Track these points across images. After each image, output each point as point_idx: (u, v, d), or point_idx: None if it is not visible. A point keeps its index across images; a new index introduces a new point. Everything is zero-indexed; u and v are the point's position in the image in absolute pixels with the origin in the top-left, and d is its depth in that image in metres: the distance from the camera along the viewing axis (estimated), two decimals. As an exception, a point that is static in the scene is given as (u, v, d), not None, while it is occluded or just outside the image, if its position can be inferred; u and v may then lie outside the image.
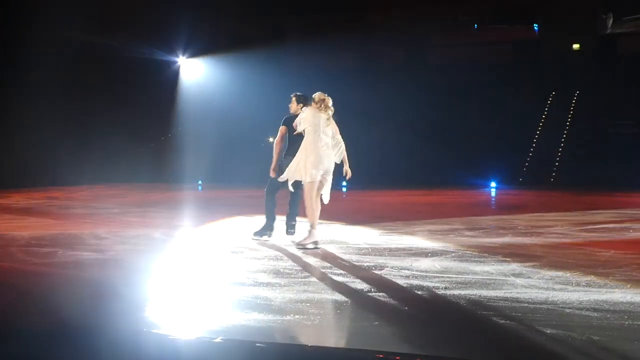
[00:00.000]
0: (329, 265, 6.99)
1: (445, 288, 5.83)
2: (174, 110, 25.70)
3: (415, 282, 6.11)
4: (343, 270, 6.72)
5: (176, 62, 25.76)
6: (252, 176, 21.65)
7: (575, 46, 27.62)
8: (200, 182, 22.47)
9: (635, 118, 22.71)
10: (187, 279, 6.43)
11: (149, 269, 6.90)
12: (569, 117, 24.89)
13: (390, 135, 23.81)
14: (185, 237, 9.38)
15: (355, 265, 6.99)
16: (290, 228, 8.93)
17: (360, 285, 6.00)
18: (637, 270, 6.55)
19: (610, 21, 26.99)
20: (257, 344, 4.26)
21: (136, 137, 23.24)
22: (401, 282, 6.13)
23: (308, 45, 25.51)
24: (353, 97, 24.55)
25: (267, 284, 6.02)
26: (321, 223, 10.72)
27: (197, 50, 25.14)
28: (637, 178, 18.39)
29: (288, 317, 4.94)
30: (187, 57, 25.83)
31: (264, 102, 22.71)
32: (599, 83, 25.08)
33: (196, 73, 26.00)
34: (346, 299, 5.51)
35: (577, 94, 25.57)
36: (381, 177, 21.21)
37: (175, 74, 25.98)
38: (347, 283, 6.09)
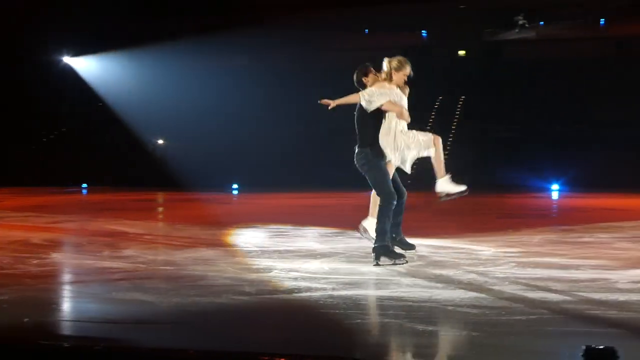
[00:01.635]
0: (216, 268, 6.92)
1: (333, 289, 5.88)
2: (60, 110, 24.80)
3: (303, 283, 6.13)
4: (231, 273, 6.66)
5: (61, 60, 24.86)
6: (141, 178, 21.30)
7: (461, 52, 28.56)
8: (85, 186, 21.75)
9: (520, 122, 23.73)
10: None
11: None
12: (455, 121, 25.71)
13: (286, 137, 23.86)
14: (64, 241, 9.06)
15: (244, 268, 6.95)
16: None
17: (248, 288, 5.96)
18: (515, 268, 6.81)
19: (521, 22, 27.99)
20: (144, 348, 4.17)
21: (16, 137, 22.28)
22: (289, 284, 6.14)
23: (204, 45, 25.20)
24: (250, 98, 24.47)
25: (153, 289, 5.89)
26: (210, 228, 10.62)
27: (87, 48, 24.36)
28: (521, 180, 19.18)
29: (172, 322, 4.84)
30: (75, 56, 24.99)
31: (156, 102, 22.30)
32: (484, 88, 26.01)
33: (87, 72, 25.19)
34: (232, 302, 5.46)
35: (463, 98, 26.45)
36: (275, 180, 21.20)
37: (62, 73, 25.07)
38: (234, 286, 6.04)
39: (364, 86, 7.36)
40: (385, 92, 7.19)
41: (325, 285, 6.01)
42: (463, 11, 27.82)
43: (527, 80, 24.35)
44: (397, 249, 7.28)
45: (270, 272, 6.69)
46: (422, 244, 8.58)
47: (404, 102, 7.33)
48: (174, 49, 23.49)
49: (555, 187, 18.35)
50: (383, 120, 7.23)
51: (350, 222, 11.22)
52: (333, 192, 18.46)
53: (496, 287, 5.89)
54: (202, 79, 23.90)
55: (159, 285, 6.05)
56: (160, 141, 23.77)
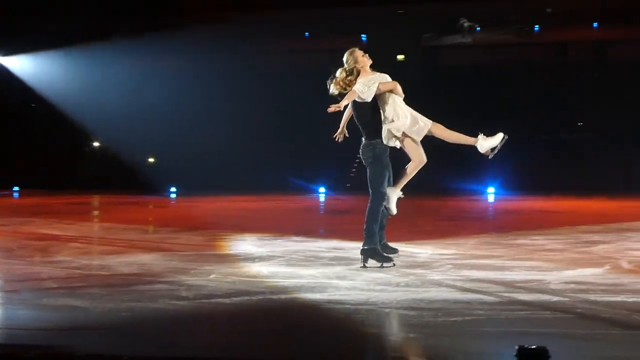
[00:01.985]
0: (152, 272, 6.81)
1: (272, 293, 5.84)
2: None
3: (241, 287, 6.08)
4: (167, 277, 6.56)
5: None
6: (76, 181, 20.84)
7: (400, 57, 28.86)
8: (17, 189, 21.11)
9: (458, 126, 24.09)
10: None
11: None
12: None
13: (226, 140, 23.69)
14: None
15: (181, 272, 6.84)
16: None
17: (185, 292, 5.88)
18: (452, 270, 6.90)
19: (466, 26, 28.35)
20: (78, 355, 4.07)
21: None
22: (227, 287, 6.07)
23: (141, 45, 24.81)
24: (189, 100, 24.19)
25: (86, 294, 5.75)
26: (147, 231, 10.47)
27: (15, 48, 23.68)
28: (459, 183, 19.46)
29: (106, 328, 4.74)
30: (7, 55, 24.29)
31: (92, 103, 21.84)
32: (422, 93, 26.32)
33: (21, 71, 24.50)
34: (169, 307, 5.37)
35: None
36: (214, 183, 21.02)
37: None
38: (171, 290, 5.94)
39: (336, 84, 7.34)
40: (373, 77, 7.19)
41: (263, 289, 5.97)
42: (402, 16, 28.12)
43: (464, 85, 24.74)
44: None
45: (208, 276, 6.61)
46: (360, 247, 8.60)
47: (388, 78, 7.32)
48: (111, 48, 23.07)
49: (491, 190, 18.66)
50: (389, 109, 7.21)
51: (290, 225, 11.23)
52: (272, 195, 18.41)
53: (433, 289, 5.94)
54: (140, 79, 23.51)
55: (92, 291, 5.92)
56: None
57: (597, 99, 25.05)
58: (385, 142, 7.18)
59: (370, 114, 7.20)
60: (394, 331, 4.72)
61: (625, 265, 7.04)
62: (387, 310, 5.26)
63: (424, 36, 29.40)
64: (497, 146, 7.26)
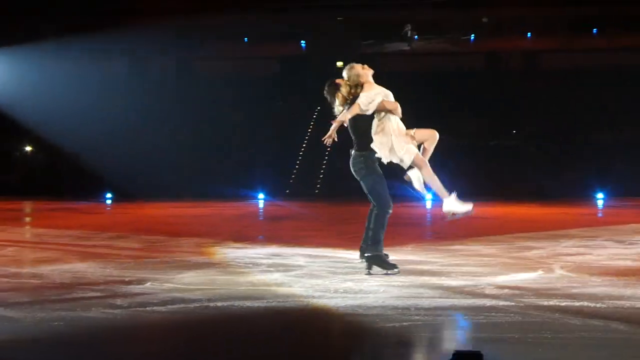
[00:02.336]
0: (86, 281, 6.65)
1: (209, 300, 5.77)
2: None
3: (177, 295, 5.99)
4: (101, 285, 6.42)
5: None
6: (7, 186, 20.27)
7: (339, 64, 29.02)
8: None
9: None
10: None
11: None
12: (333, 132, 26.10)
13: (159, 145, 23.41)
14: None
15: (115, 280, 6.71)
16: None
17: (119, 301, 5.76)
18: (389, 276, 6.94)
19: (409, 34, 28.62)
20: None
21: None
22: (163, 296, 5.98)
23: (77, 47, 24.31)
24: (122, 104, 23.80)
25: (16, 304, 5.58)
26: (80, 238, 10.25)
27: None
28: (398, 189, 19.62)
29: (36, 338, 4.60)
30: None
31: (24, 106, 21.31)
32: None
33: None
34: (102, 316, 5.26)
35: (341, 109, 26.84)
36: (150, 189, 20.72)
37: None
38: (105, 299, 5.82)
39: (342, 99, 7.20)
40: (377, 91, 7.08)
41: (200, 297, 5.90)
42: (341, 22, 28.32)
43: (402, 91, 24.99)
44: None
45: (143, 284, 6.50)
46: (299, 253, 8.61)
47: (391, 97, 7.20)
48: (43, 49, 22.55)
49: (428, 196, 18.94)
50: (376, 121, 7.11)
51: (228, 232, 11.14)
52: (210, 202, 18.26)
53: (371, 295, 5.97)
54: (76, 83, 23.06)
55: (22, 300, 5.74)
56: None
57: (529, 106, 25.70)
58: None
59: (366, 125, 7.13)
60: (333, 338, 4.72)
61: (557, 269, 7.21)
62: (325, 317, 5.26)
63: (364, 43, 29.69)
64: (458, 214, 7.25)
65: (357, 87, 7.10)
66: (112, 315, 5.28)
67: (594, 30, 28.51)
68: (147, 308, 5.53)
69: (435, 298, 5.95)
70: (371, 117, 7.11)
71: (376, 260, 6.97)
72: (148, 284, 6.49)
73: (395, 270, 6.93)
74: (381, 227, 7.04)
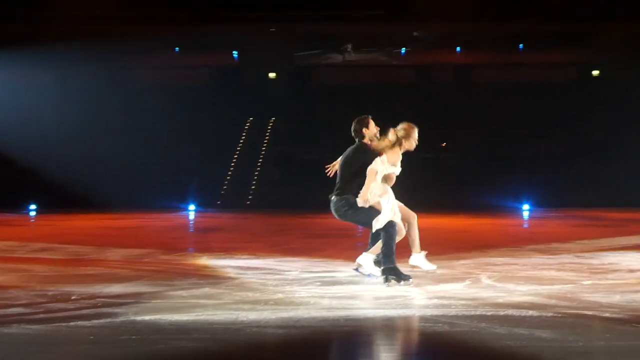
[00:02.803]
0: (7, 295, 6.42)
1: (136, 313, 5.65)
2: None
3: (104, 309, 5.84)
4: (23, 300, 6.21)
5: None
6: None
7: (272, 75, 29.06)
8: None
9: (328, 144, 24.44)
10: None
11: None
12: (265, 142, 26.03)
13: (88, 155, 22.94)
14: None
15: (39, 294, 6.49)
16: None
17: (43, 315, 5.58)
18: (320, 287, 6.94)
19: (349, 50, 28.78)
20: None
21: None
22: (89, 310, 5.82)
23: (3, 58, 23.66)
24: (48, 114, 23.24)
25: None
26: (3, 249, 9.91)
27: None
28: (323, 199, 19.70)
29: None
30: None
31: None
32: (294, 110, 26.58)
33: None
34: (25, 332, 5.08)
35: (273, 120, 26.84)
36: (76, 200, 20.23)
37: None
38: (27, 314, 5.64)
39: (362, 136, 7.32)
40: (396, 164, 7.20)
41: (126, 310, 5.77)
42: (274, 34, 28.34)
43: (334, 103, 25.20)
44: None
45: (68, 297, 6.32)
46: (230, 265, 8.53)
47: (397, 171, 7.29)
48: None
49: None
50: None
51: (157, 243, 10.95)
52: (138, 213, 17.96)
53: (302, 307, 5.94)
54: (2, 93, 22.47)
55: (-62, 316, 5.50)
56: None
57: (459, 119, 26.22)
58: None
59: (358, 176, 7.20)
60: (264, 351, 4.68)
61: (484, 279, 7.33)
62: (255, 329, 5.21)
63: (296, 55, 29.81)
64: (420, 267, 7.50)
65: (396, 144, 7.26)
66: (33, 331, 5.11)
67: (520, 46, 29.36)
68: (71, 323, 5.37)
69: (365, 309, 5.97)
70: (363, 168, 7.17)
71: (390, 272, 6.98)
72: (73, 297, 6.31)
73: (410, 280, 6.95)
74: (392, 240, 7.07)
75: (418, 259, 7.51)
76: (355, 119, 7.45)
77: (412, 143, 7.36)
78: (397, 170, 7.24)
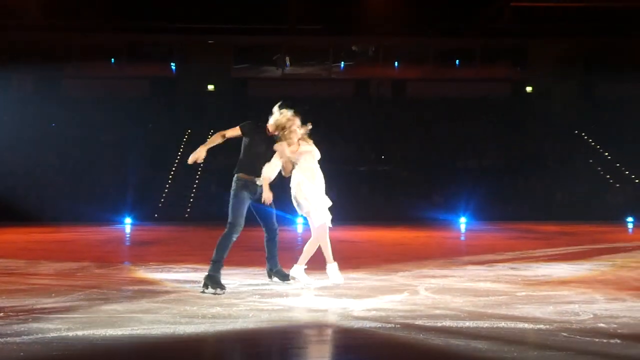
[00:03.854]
0: None
1: (68, 329, 5.49)
2: None
3: (34, 325, 5.65)
4: (-50, 316, 5.97)
5: None
6: None
7: (210, 87, 28.95)
8: None
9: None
10: None
11: None
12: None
13: (21, 166, 22.38)
14: None
15: (-34, 309, 6.26)
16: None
17: (-31, 332, 5.37)
18: (259, 299, 6.88)
19: (282, 59, 28.80)
20: None
21: None
22: (18, 325, 5.63)
23: None
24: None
25: None
26: None
27: None
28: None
29: None
30: None
31: None
32: (232, 123, 26.51)
33: None
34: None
35: (212, 132, 26.69)
36: (10, 213, 19.67)
37: None
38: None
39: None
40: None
41: (59, 326, 5.60)
42: (213, 46, 28.23)
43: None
44: (275, 278, 7.91)
45: (-3, 313, 6.10)
46: (167, 278, 8.40)
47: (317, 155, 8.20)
48: None
49: (300, 220, 19.06)
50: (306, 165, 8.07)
51: (91, 257, 10.70)
52: (73, 226, 17.56)
53: (240, 320, 5.88)
54: None
55: None
56: None
57: (398, 133, 26.52)
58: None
59: (243, 149, 7.97)
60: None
61: (422, 291, 7.40)
62: (192, 343, 5.12)
63: (235, 67, 29.76)
64: (296, 281, 7.77)
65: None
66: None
67: (457, 62, 29.97)
68: (0, 339, 5.19)
69: (304, 321, 5.95)
70: (248, 144, 8.06)
71: (210, 280, 7.25)
72: (1, 314, 6.10)
73: (223, 291, 7.15)
74: (225, 249, 7.46)
75: (297, 269, 7.84)
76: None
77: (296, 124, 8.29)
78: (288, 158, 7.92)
